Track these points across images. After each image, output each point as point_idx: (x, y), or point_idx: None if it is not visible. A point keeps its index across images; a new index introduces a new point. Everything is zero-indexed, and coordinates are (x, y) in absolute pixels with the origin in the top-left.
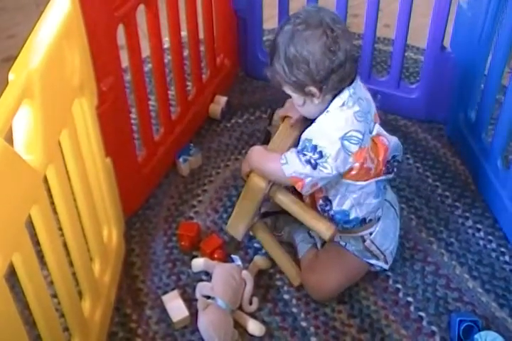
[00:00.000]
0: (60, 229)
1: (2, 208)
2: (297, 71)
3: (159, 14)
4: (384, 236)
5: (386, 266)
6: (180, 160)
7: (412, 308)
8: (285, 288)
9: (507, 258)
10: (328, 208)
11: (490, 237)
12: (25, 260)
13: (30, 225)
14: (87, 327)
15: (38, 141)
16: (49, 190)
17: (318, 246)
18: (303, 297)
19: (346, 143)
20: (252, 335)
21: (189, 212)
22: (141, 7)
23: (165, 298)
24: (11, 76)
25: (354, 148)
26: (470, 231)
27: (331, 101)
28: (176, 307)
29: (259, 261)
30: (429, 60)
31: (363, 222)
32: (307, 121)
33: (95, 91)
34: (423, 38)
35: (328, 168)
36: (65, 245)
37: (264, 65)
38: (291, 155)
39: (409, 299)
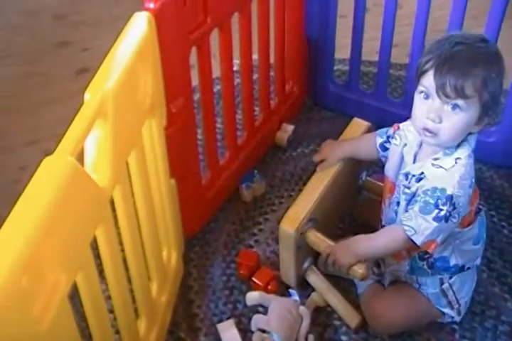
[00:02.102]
0: (121, 244)
1: (70, 227)
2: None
3: (232, 37)
4: (462, 284)
5: (458, 318)
6: (244, 186)
7: None
8: (343, 328)
9: None
10: (427, 255)
11: None
12: (88, 279)
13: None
14: None
15: (107, 161)
16: (113, 209)
17: (386, 283)
18: (361, 340)
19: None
20: None
21: (249, 239)
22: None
23: (220, 326)
24: (87, 96)
25: (471, 192)
26: None
27: (459, 145)
28: (230, 337)
29: (317, 297)
30: (510, 102)
31: (461, 270)
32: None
33: (165, 112)
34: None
35: (457, 218)
36: (124, 262)
37: (334, 95)
38: (417, 221)
39: None
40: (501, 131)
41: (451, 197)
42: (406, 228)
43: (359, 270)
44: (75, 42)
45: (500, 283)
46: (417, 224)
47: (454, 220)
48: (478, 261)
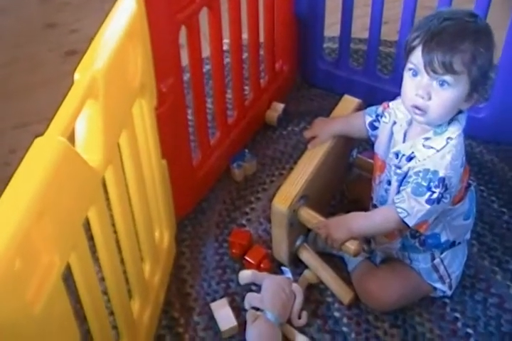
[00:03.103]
0: (113, 225)
1: (63, 208)
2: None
3: (221, 16)
4: (453, 258)
5: (449, 292)
6: (235, 165)
7: None
8: (336, 305)
9: None
10: (419, 234)
11: None
12: (81, 259)
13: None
14: (135, 328)
15: (98, 141)
16: (104, 191)
17: (378, 260)
18: (354, 316)
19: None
20: None
21: (241, 219)
22: (204, 9)
23: (214, 305)
24: (77, 76)
25: (462, 170)
26: None
27: (449, 123)
28: (224, 315)
29: (309, 274)
30: (501, 80)
31: (452, 245)
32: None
33: (155, 92)
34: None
35: (448, 198)
36: (116, 243)
37: (324, 73)
38: (410, 203)
39: (469, 330)
40: (490, 107)
41: (443, 179)
42: (399, 210)
43: (351, 246)
44: (62, 24)
45: (489, 256)
46: (410, 207)
47: (446, 200)
48: (468, 236)
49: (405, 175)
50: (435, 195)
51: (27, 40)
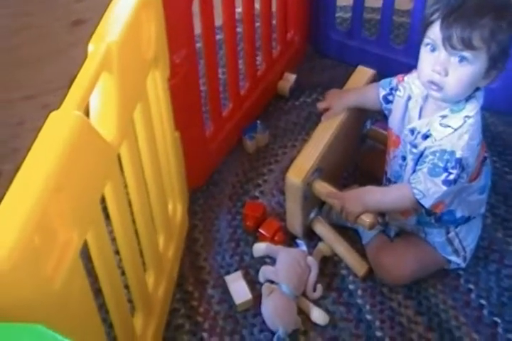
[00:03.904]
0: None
1: (80, 183)
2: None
3: None
4: (468, 231)
5: (463, 264)
6: (247, 137)
7: (485, 312)
8: (350, 277)
9: None
10: (434, 212)
11: None
12: (98, 235)
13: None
14: (150, 301)
15: (114, 115)
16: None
17: (392, 234)
18: (368, 288)
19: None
20: (315, 323)
21: (254, 191)
22: None
23: (228, 278)
24: (90, 47)
25: (479, 148)
26: None
27: (467, 101)
28: (239, 289)
29: (324, 247)
30: None
31: (467, 220)
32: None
33: (168, 63)
34: None
35: (465, 177)
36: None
37: (336, 43)
38: (426, 185)
39: (483, 302)
40: (503, 77)
41: (460, 160)
42: (415, 191)
43: (367, 219)
44: None
45: (503, 228)
46: (426, 188)
47: (463, 180)
48: (483, 210)
49: (421, 154)
50: (452, 176)
51: (32, 9)
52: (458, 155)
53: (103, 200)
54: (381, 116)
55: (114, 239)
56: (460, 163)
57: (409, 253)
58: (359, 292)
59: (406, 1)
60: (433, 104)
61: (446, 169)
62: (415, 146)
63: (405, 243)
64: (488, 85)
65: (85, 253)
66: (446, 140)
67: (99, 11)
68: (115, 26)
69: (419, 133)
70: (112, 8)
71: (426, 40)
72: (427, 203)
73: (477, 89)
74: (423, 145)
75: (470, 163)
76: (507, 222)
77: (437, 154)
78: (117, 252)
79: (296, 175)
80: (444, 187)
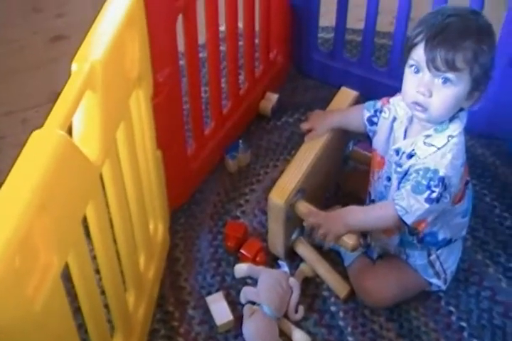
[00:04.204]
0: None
1: (63, 204)
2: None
3: (218, 4)
4: (449, 254)
5: (444, 287)
6: (229, 156)
7: (465, 334)
8: (332, 299)
9: None
10: (417, 231)
11: None
12: (79, 256)
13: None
14: (130, 321)
15: (97, 135)
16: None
17: (375, 256)
18: (350, 310)
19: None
20: None
21: (236, 210)
22: None
23: (209, 299)
24: (74, 66)
25: (462, 170)
26: None
27: (450, 121)
28: (220, 309)
29: (306, 268)
30: (496, 74)
31: (449, 243)
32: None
33: (151, 82)
34: None
35: (448, 197)
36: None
37: (318, 64)
38: (409, 201)
39: (463, 324)
40: (484, 101)
41: (443, 179)
42: (397, 207)
43: (349, 241)
44: (48, 7)
45: (482, 250)
46: (409, 205)
47: (446, 200)
48: (464, 232)
49: (405, 173)
50: (434, 195)
51: (11, 24)
52: (441, 173)
53: (84, 219)
54: (363, 138)
55: (94, 258)
56: (443, 182)
57: (391, 276)
58: (341, 314)
59: (387, 23)
60: (418, 125)
61: (429, 187)
62: (400, 166)
63: (387, 265)
64: (471, 107)
65: (65, 272)
66: (429, 158)
67: (79, 27)
68: (99, 45)
69: (403, 153)
70: (95, 26)
71: (410, 62)
72: (409, 220)
73: (461, 109)
74: (407, 164)
75: (453, 182)
76: (486, 244)
77: (421, 172)
78: (97, 271)
79: (279, 195)
80: (427, 205)
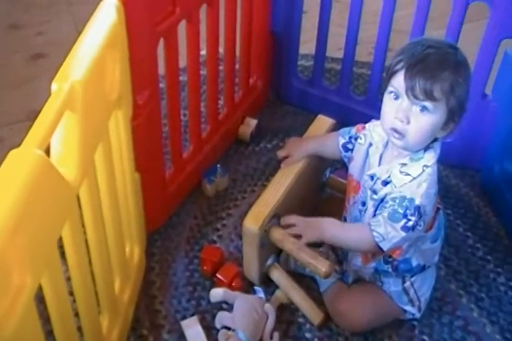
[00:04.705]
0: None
1: (38, 224)
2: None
3: (199, 29)
4: (423, 281)
5: (418, 315)
6: (206, 180)
7: None
8: (307, 325)
9: None
10: (391, 259)
11: None
12: (53, 278)
13: None
14: None
15: (75, 155)
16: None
17: (350, 281)
18: (325, 337)
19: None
20: None
21: (212, 235)
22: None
23: (184, 323)
24: (54, 86)
25: (435, 199)
26: (502, 288)
27: (425, 150)
28: (195, 334)
29: (281, 294)
30: (469, 105)
31: (422, 269)
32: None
33: (131, 104)
34: None
35: (422, 225)
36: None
37: (297, 90)
38: (386, 229)
39: None
40: (457, 133)
41: (418, 208)
42: (375, 234)
43: (322, 268)
44: (28, 25)
45: (456, 280)
46: (386, 232)
47: (420, 228)
48: (436, 259)
49: (381, 201)
50: (410, 223)
51: None
52: (417, 202)
53: (60, 239)
54: (340, 165)
55: (68, 279)
56: (418, 211)
57: (366, 299)
58: None
59: (366, 53)
60: (393, 151)
61: (405, 215)
62: (375, 192)
63: (363, 289)
64: (445, 138)
65: (38, 294)
66: (405, 187)
67: (59, 46)
68: (80, 65)
69: (378, 179)
70: (77, 46)
71: (390, 88)
72: (386, 246)
73: (435, 140)
74: (383, 191)
75: (427, 210)
76: (459, 274)
77: (397, 200)
78: (71, 293)
79: (254, 221)
80: (403, 233)
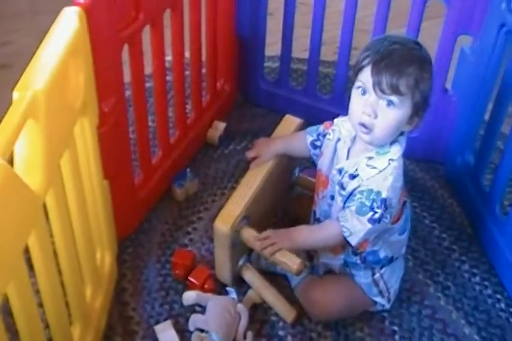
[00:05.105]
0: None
1: (2, 234)
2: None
3: (164, 34)
4: (392, 273)
5: (388, 306)
6: (176, 185)
7: None
8: (280, 323)
9: (503, 305)
10: (360, 250)
11: (486, 283)
12: (20, 289)
13: None
14: None
15: (39, 163)
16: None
17: (321, 273)
18: (298, 334)
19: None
20: None
21: (183, 239)
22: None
23: (157, 328)
24: (15, 94)
25: (401, 192)
26: (466, 275)
27: (391, 144)
28: (168, 338)
29: (254, 294)
30: (432, 100)
31: (390, 261)
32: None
33: (97, 111)
34: None
35: (388, 217)
36: (57, 266)
37: (264, 92)
38: (353, 222)
39: None
40: (422, 128)
41: (385, 200)
42: (343, 229)
43: (294, 266)
44: None
45: (423, 270)
46: (353, 226)
47: (386, 220)
48: (403, 250)
49: (349, 195)
50: (377, 215)
51: None
52: (383, 195)
53: (27, 250)
54: (309, 164)
55: (37, 291)
56: (385, 204)
57: (338, 287)
58: (289, 338)
59: (331, 53)
60: (360, 145)
61: (372, 208)
62: (343, 186)
63: (335, 279)
64: (409, 133)
65: (4, 306)
66: (372, 180)
67: (24, 56)
68: (42, 74)
69: (346, 172)
70: (38, 54)
71: (357, 84)
72: (354, 241)
73: (401, 134)
74: (351, 185)
75: (393, 203)
76: (426, 264)
77: (365, 193)
78: (41, 304)
79: (224, 222)
80: (369, 225)
